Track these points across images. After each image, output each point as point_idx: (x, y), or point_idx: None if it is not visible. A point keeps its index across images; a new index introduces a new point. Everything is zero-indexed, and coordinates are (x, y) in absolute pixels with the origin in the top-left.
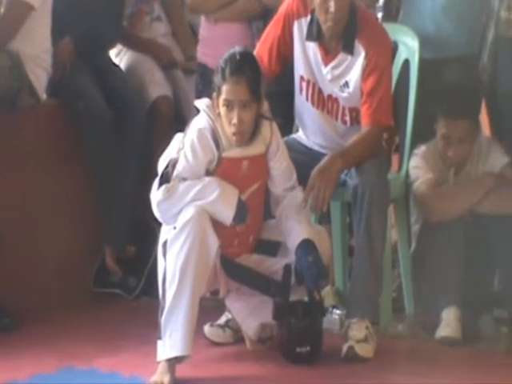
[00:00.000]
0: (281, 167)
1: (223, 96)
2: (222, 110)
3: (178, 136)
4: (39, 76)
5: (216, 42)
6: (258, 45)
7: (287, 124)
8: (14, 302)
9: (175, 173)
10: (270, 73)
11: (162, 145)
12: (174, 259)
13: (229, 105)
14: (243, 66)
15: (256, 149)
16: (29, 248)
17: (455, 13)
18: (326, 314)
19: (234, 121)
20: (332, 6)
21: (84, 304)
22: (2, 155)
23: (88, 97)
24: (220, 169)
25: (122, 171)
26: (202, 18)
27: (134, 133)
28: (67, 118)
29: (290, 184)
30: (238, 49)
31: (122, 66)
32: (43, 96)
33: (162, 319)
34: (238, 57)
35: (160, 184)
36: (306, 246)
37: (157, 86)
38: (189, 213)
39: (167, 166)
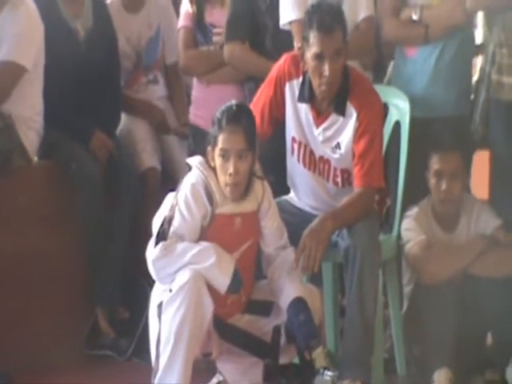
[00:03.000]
0: (272, 226)
1: (219, 146)
2: (218, 160)
3: (170, 195)
4: (31, 138)
5: (209, 104)
6: (251, 106)
7: (278, 184)
8: (5, 363)
9: (172, 229)
10: (262, 134)
11: (151, 211)
12: (169, 322)
13: (225, 155)
14: (239, 115)
15: (248, 206)
16: (21, 309)
17: (445, 75)
18: (316, 374)
19: (230, 171)
20: (326, 70)
21: (76, 365)
22: None
23: (80, 159)
24: (213, 225)
25: (113, 233)
26: (195, 80)
27: (126, 195)
28: (59, 179)
29: (282, 243)
30: (233, 101)
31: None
32: (34, 158)
33: (156, 382)
34: (234, 107)
35: (157, 241)
36: (298, 304)
37: (147, 155)
38: (185, 276)
39: (163, 224)
